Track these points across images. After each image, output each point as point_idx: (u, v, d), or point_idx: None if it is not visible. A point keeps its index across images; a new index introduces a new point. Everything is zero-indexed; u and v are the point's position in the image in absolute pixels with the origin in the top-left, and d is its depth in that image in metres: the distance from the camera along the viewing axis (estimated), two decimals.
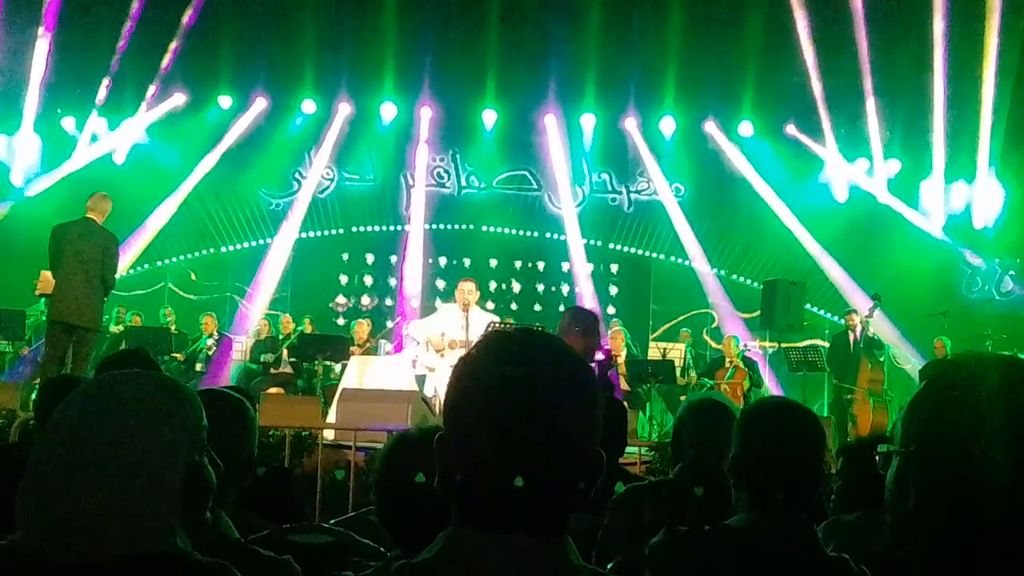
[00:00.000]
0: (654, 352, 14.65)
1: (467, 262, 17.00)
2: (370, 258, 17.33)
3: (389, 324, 15.71)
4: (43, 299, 10.36)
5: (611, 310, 16.98)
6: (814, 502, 2.67)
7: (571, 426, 1.41)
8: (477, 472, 1.40)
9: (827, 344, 14.00)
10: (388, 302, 17.12)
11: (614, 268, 17.49)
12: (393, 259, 17.29)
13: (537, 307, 17.20)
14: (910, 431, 1.45)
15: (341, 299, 16.56)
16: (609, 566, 2.89)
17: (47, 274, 9.26)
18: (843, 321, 13.74)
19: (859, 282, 15.55)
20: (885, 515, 1.49)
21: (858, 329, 13.23)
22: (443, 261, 17.30)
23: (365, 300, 17.15)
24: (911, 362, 15.22)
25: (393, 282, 17.28)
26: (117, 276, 9.60)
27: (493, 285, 16.92)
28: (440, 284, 17.07)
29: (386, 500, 2.34)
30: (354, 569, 2.31)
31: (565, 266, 17.38)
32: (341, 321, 16.61)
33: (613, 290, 17.45)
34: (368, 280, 17.27)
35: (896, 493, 1.45)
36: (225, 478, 2.11)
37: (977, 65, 15.37)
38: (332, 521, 3.12)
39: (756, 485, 2.57)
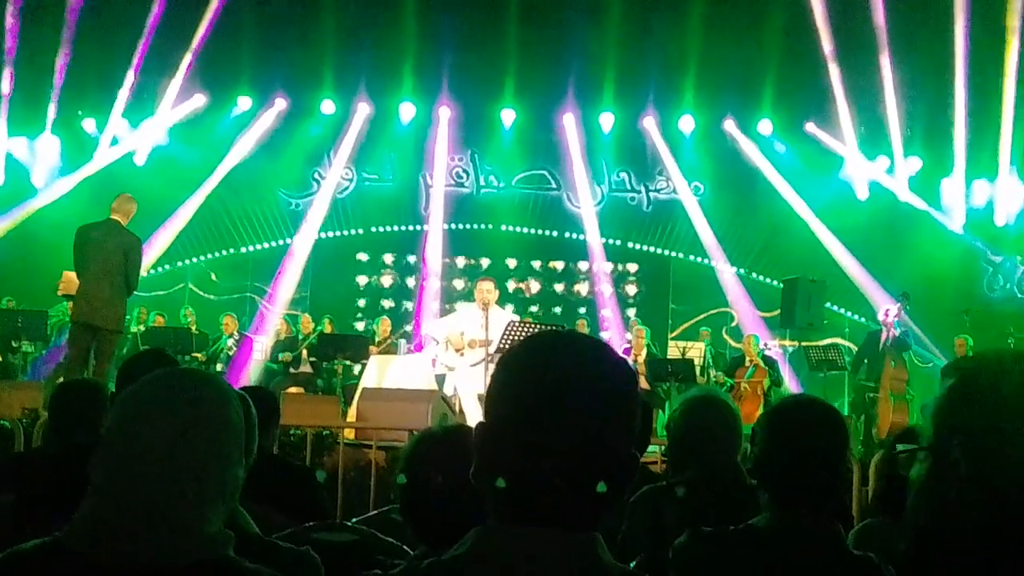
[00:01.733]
0: (673, 351, 14.61)
1: (486, 262, 17.00)
2: (389, 258, 17.35)
3: (407, 328, 15.75)
4: (64, 300, 10.44)
5: (631, 312, 16.98)
6: (837, 500, 2.66)
7: (607, 426, 1.43)
8: (512, 468, 1.42)
9: (848, 343, 13.94)
10: (407, 306, 17.13)
11: (633, 267, 17.46)
12: (412, 259, 17.31)
13: (556, 308, 17.20)
14: (942, 430, 1.46)
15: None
16: (631, 565, 2.89)
17: (69, 275, 9.31)
18: (879, 318, 13.61)
19: (880, 280, 15.48)
20: (908, 513, 1.50)
21: (892, 329, 13.11)
22: (462, 261, 17.32)
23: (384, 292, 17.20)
24: (932, 361, 15.14)
25: (412, 282, 17.30)
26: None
27: (512, 285, 16.93)
28: (459, 284, 17.09)
29: (411, 498, 2.35)
30: (379, 567, 2.32)
31: (584, 265, 17.37)
32: (361, 326, 16.65)
33: (632, 289, 17.43)
34: (387, 280, 17.29)
35: (929, 491, 1.46)
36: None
37: (999, 62, 15.28)
38: (355, 520, 3.13)
39: (779, 484, 2.56)
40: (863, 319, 14.44)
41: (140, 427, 1.73)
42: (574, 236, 17.35)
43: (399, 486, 2.39)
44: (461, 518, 1.69)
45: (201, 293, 16.54)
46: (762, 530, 2.50)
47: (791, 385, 14.51)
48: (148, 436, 1.72)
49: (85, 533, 1.69)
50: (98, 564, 1.66)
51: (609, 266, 17.27)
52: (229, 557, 1.75)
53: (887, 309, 13.33)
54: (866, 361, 13.01)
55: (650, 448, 6.38)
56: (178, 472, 1.71)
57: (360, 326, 16.38)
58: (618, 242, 17.35)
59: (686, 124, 16.97)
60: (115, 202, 9.39)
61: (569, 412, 1.41)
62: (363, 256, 17.33)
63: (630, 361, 13.13)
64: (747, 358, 13.24)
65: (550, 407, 1.41)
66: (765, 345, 13.99)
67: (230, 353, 13.82)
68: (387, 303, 17.13)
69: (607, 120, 17.02)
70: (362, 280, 17.28)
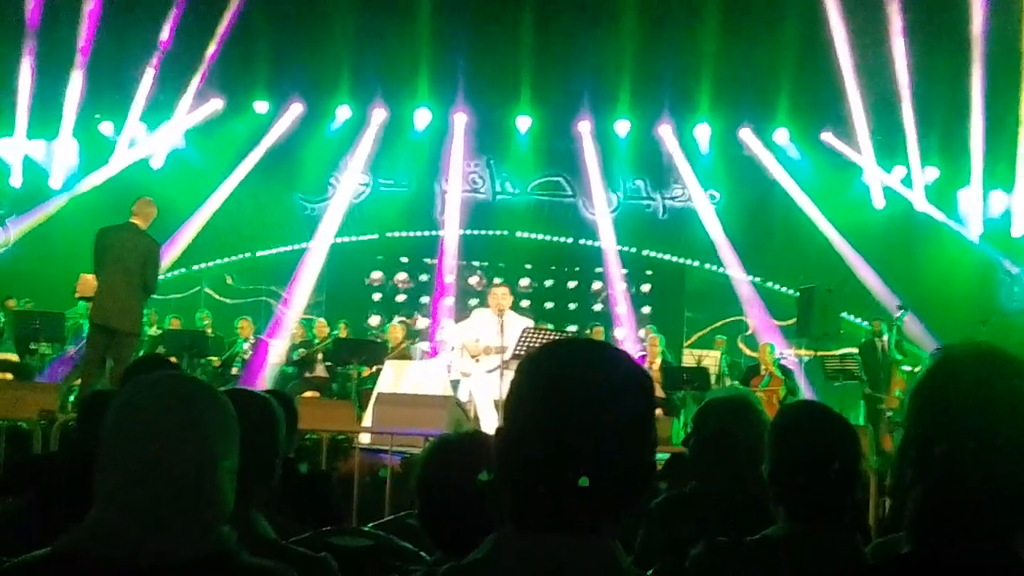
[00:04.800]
0: (688, 359, 14.58)
1: (501, 267, 17.01)
2: (404, 263, 17.38)
3: (422, 324, 15.79)
4: (81, 302, 10.47)
5: (645, 310, 16.97)
6: (852, 509, 2.64)
7: (626, 434, 1.44)
8: (530, 473, 1.43)
9: None
10: (422, 312, 17.14)
11: (648, 275, 17.45)
12: (428, 263, 17.33)
13: (570, 313, 17.20)
14: (909, 416, 1.60)
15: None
16: (649, 574, 2.88)
17: (86, 277, 9.34)
18: (870, 327, 13.68)
19: (896, 290, 15.41)
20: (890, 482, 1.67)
21: (885, 337, 13.17)
22: (477, 266, 17.33)
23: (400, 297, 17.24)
24: None
25: (427, 288, 17.31)
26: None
27: (527, 290, 16.94)
28: (474, 288, 17.10)
29: (428, 503, 2.35)
30: (395, 572, 2.33)
31: (599, 272, 17.36)
32: (376, 321, 16.70)
33: (647, 294, 17.40)
34: (402, 285, 17.33)
35: (898, 466, 1.61)
36: (251, 477, 2.13)
37: (1015, 72, 15.21)
38: (370, 525, 3.14)
39: (790, 495, 2.55)
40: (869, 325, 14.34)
41: (137, 432, 1.77)
42: (589, 243, 17.36)
43: (416, 491, 2.40)
44: (478, 524, 1.69)
45: (217, 296, 16.60)
46: (776, 541, 2.49)
47: (807, 394, 14.45)
48: (145, 440, 1.76)
49: (92, 538, 1.72)
50: (105, 568, 1.69)
51: (624, 272, 17.24)
52: (231, 552, 1.78)
53: (877, 321, 13.44)
54: (871, 372, 12.98)
55: (663, 455, 6.35)
56: (176, 474, 1.74)
57: (375, 334, 16.37)
58: (633, 249, 17.33)
59: (702, 132, 16.97)
60: (135, 205, 9.44)
61: (588, 419, 1.42)
62: (378, 261, 17.34)
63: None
64: (762, 367, 13.20)
65: (570, 414, 1.42)
66: (781, 354, 13.95)
67: (245, 357, 13.84)
68: (402, 309, 17.14)
69: (623, 127, 17.03)
70: (377, 285, 17.30)
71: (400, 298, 17.32)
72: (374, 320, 16.92)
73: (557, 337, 9.93)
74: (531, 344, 9.55)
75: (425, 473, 2.38)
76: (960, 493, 1.52)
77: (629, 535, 3.33)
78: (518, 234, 17.30)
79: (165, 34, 15.59)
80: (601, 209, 17.25)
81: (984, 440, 1.50)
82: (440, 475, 2.32)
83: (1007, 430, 1.50)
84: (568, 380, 1.44)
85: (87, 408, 4.23)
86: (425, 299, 17.29)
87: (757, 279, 17.00)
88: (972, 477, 1.50)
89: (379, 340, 13.99)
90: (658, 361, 13.29)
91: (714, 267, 17.16)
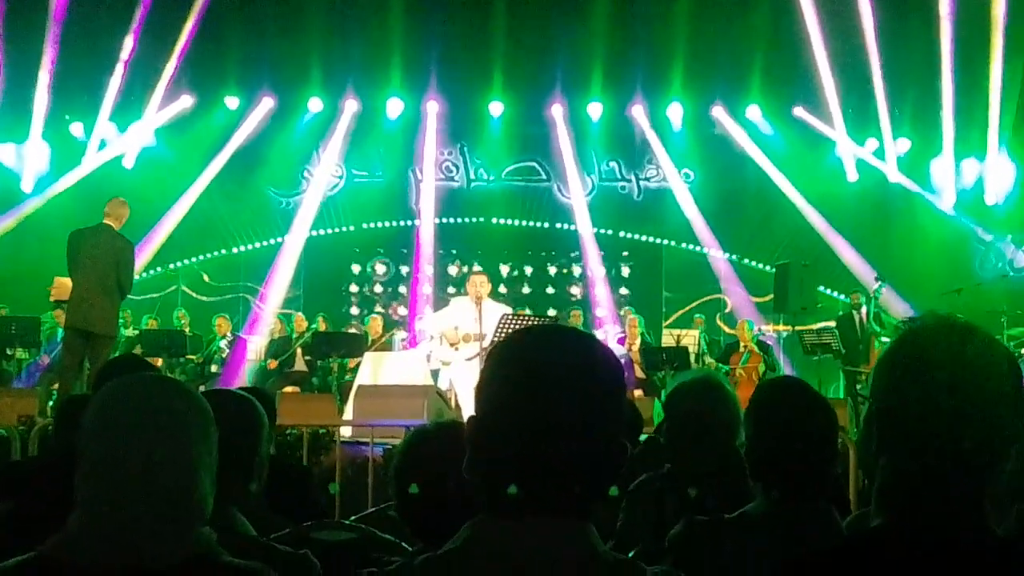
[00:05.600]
0: (668, 339, 14.64)
1: (478, 255, 16.98)
2: (381, 254, 17.34)
3: (401, 314, 15.77)
4: (56, 305, 10.40)
5: (623, 291, 17.02)
6: (830, 485, 2.66)
7: (597, 417, 1.45)
8: (503, 459, 1.44)
9: None
10: (401, 302, 17.13)
11: (625, 256, 17.47)
12: (404, 253, 17.30)
13: (549, 295, 17.22)
14: (875, 387, 1.61)
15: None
16: (630, 555, 2.89)
17: (61, 280, 9.29)
18: (848, 300, 13.77)
19: (871, 262, 15.48)
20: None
21: (863, 309, 13.26)
22: (454, 254, 17.31)
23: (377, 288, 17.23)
24: None
25: (404, 278, 17.29)
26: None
27: (505, 276, 16.94)
28: (452, 276, 17.10)
29: (406, 495, 2.35)
30: (376, 565, 2.33)
31: (575, 255, 17.37)
32: (355, 311, 16.70)
33: (625, 276, 17.43)
34: (380, 276, 17.30)
35: (864, 436, 1.62)
36: (235, 476, 2.13)
37: (985, 41, 15.29)
38: (352, 518, 3.14)
39: (767, 471, 2.57)
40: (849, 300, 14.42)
41: (115, 437, 1.77)
42: (565, 227, 17.36)
43: (394, 482, 2.40)
44: (457, 514, 1.70)
45: (194, 294, 16.52)
46: (755, 516, 2.51)
47: (786, 370, 14.54)
48: (124, 445, 1.76)
49: (73, 544, 1.72)
50: (86, 573, 1.70)
51: (601, 255, 17.26)
52: (213, 554, 1.79)
53: (855, 293, 13.56)
54: (848, 346, 13.06)
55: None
56: (155, 478, 1.75)
57: (354, 324, 16.34)
58: (610, 231, 17.34)
59: (674, 112, 16.95)
60: (108, 206, 9.38)
61: (559, 403, 1.43)
62: (355, 253, 17.31)
63: (624, 350, 13.17)
64: (741, 344, 13.27)
65: (541, 399, 1.42)
66: (759, 330, 14.01)
67: (224, 356, 13.80)
68: (380, 300, 17.12)
69: (595, 110, 17.00)
70: (355, 277, 17.26)
71: (378, 289, 17.29)
72: (353, 312, 16.91)
73: (536, 323, 9.96)
74: (510, 331, 9.57)
75: (402, 465, 2.38)
76: (929, 463, 1.52)
77: (609, 519, 3.34)
78: (494, 220, 17.27)
79: (132, 34, 15.47)
80: (576, 192, 17.24)
81: (953, 409, 1.50)
82: (417, 467, 2.32)
83: (975, 399, 1.51)
84: (539, 365, 1.45)
85: (63, 413, 4.21)
86: (403, 289, 17.26)
87: (734, 257, 17.05)
88: (941, 446, 1.51)
89: (358, 332, 13.99)
90: (638, 342, 13.35)
91: (691, 246, 17.18)
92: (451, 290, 16.17)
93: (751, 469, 2.62)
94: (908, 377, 1.56)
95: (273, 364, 13.54)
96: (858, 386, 12.49)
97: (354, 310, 16.90)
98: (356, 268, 17.28)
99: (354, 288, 17.23)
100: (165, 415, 1.79)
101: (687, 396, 3.37)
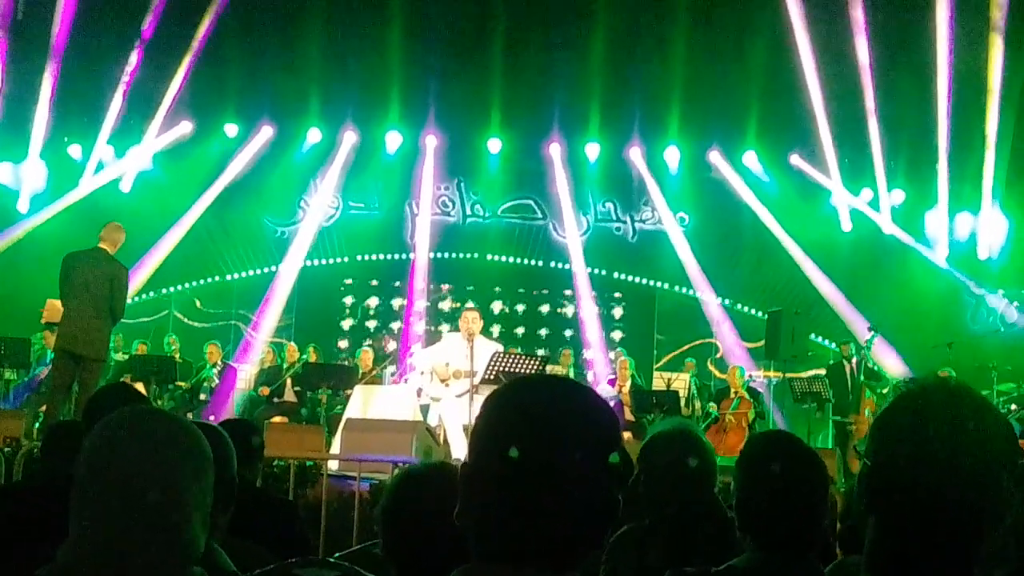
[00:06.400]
0: (659, 382, 14.63)
1: (470, 291, 16.98)
2: (374, 287, 17.33)
3: (391, 348, 15.74)
4: (47, 327, 10.37)
5: (616, 335, 17.01)
6: (820, 540, 2.65)
7: (591, 468, 1.45)
8: (495, 507, 1.43)
9: None
10: (392, 336, 17.10)
11: (618, 297, 17.48)
12: (397, 286, 17.29)
13: (542, 337, 17.20)
14: (870, 444, 1.64)
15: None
16: None
17: (53, 302, 9.27)
18: (839, 349, 13.79)
19: (864, 312, 15.51)
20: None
21: (854, 360, 13.27)
22: (447, 290, 17.31)
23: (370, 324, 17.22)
24: None
25: (397, 312, 17.27)
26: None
27: (497, 313, 16.94)
28: (444, 311, 17.08)
29: (392, 534, 2.34)
30: None
31: (569, 294, 17.38)
32: (344, 344, 16.66)
33: (617, 317, 17.43)
34: (372, 309, 17.28)
35: (857, 493, 1.64)
36: (213, 509, 2.12)
37: (981, 96, 15.40)
38: (337, 555, 3.11)
39: (758, 526, 2.56)
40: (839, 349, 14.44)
41: (113, 475, 1.77)
42: (560, 266, 17.38)
43: (381, 521, 2.38)
44: (443, 557, 1.69)
45: (186, 320, 16.49)
46: (742, 571, 2.50)
47: (776, 417, 14.52)
48: (122, 483, 1.76)
49: (66, 572, 1.71)
50: None
51: (594, 295, 17.27)
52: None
53: (846, 344, 13.59)
54: (838, 395, 13.07)
55: None
56: (152, 517, 1.75)
57: (344, 356, 16.30)
58: (603, 272, 17.36)
59: (671, 155, 17.02)
60: (103, 231, 9.37)
61: (555, 453, 1.42)
62: (349, 285, 17.30)
63: (614, 392, 13.15)
64: (732, 389, 13.25)
65: (537, 448, 1.42)
66: (750, 376, 14.01)
67: (213, 385, 13.74)
68: (372, 333, 17.09)
69: (593, 150, 17.08)
70: (347, 309, 17.25)
71: (370, 323, 17.27)
72: (343, 344, 16.87)
73: (527, 361, 9.95)
74: (501, 368, 9.56)
75: (390, 505, 2.37)
76: (917, 525, 1.53)
77: (590, 568, 3.32)
78: (488, 257, 17.29)
79: (134, 57, 15.55)
80: (571, 232, 17.27)
81: (948, 474, 1.51)
82: (405, 507, 2.31)
83: (968, 462, 1.52)
84: (536, 414, 1.45)
85: (51, 439, 4.20)
86: (395, 323, 17.24)
87: (727, 301, 17.06)
88: (930, 506, 1.52)
89: (349, 365, 13.95)
90: (628, 384, 13.32)
91: (684, 289, 17.20)
92: (445, 327, 16.15)
93: (740, 521, 2.61)
94: (902, 435, 1.56)
95: (265, 391, 13.49)
96: (855, 442, 12.47)
97: (343, 343, 16.86)
98: (349, 300, 17.27)
99: (346, 320, 17.20)
100: (165, 455, 1.80)
101: (664, 447, 3.38)
